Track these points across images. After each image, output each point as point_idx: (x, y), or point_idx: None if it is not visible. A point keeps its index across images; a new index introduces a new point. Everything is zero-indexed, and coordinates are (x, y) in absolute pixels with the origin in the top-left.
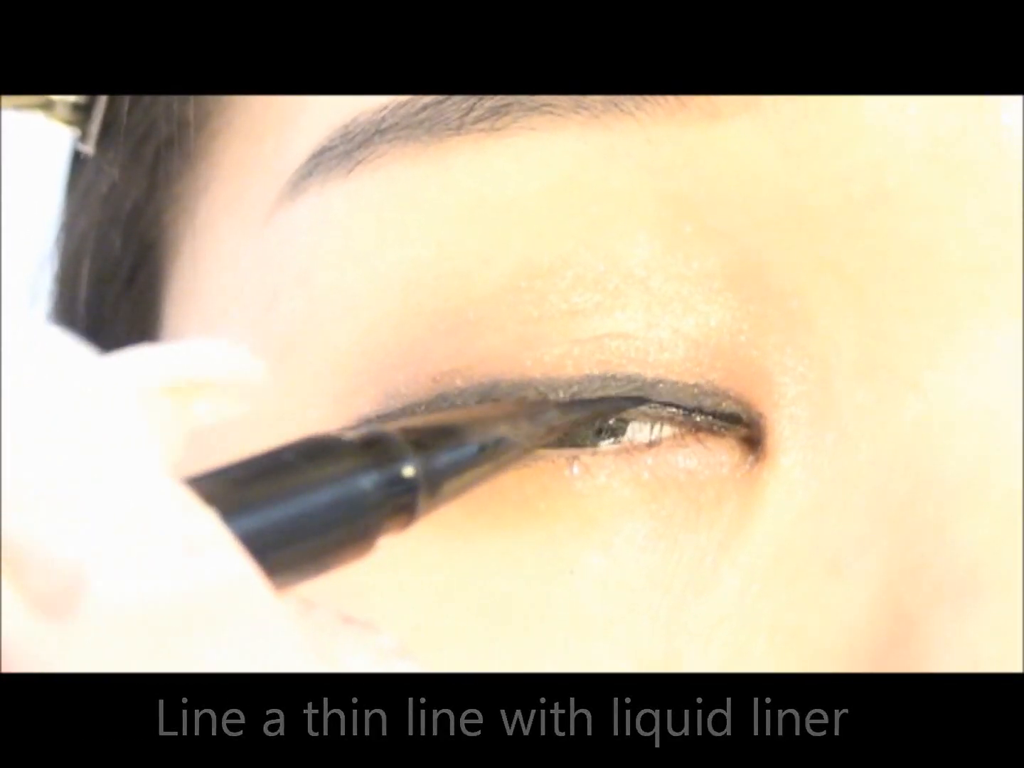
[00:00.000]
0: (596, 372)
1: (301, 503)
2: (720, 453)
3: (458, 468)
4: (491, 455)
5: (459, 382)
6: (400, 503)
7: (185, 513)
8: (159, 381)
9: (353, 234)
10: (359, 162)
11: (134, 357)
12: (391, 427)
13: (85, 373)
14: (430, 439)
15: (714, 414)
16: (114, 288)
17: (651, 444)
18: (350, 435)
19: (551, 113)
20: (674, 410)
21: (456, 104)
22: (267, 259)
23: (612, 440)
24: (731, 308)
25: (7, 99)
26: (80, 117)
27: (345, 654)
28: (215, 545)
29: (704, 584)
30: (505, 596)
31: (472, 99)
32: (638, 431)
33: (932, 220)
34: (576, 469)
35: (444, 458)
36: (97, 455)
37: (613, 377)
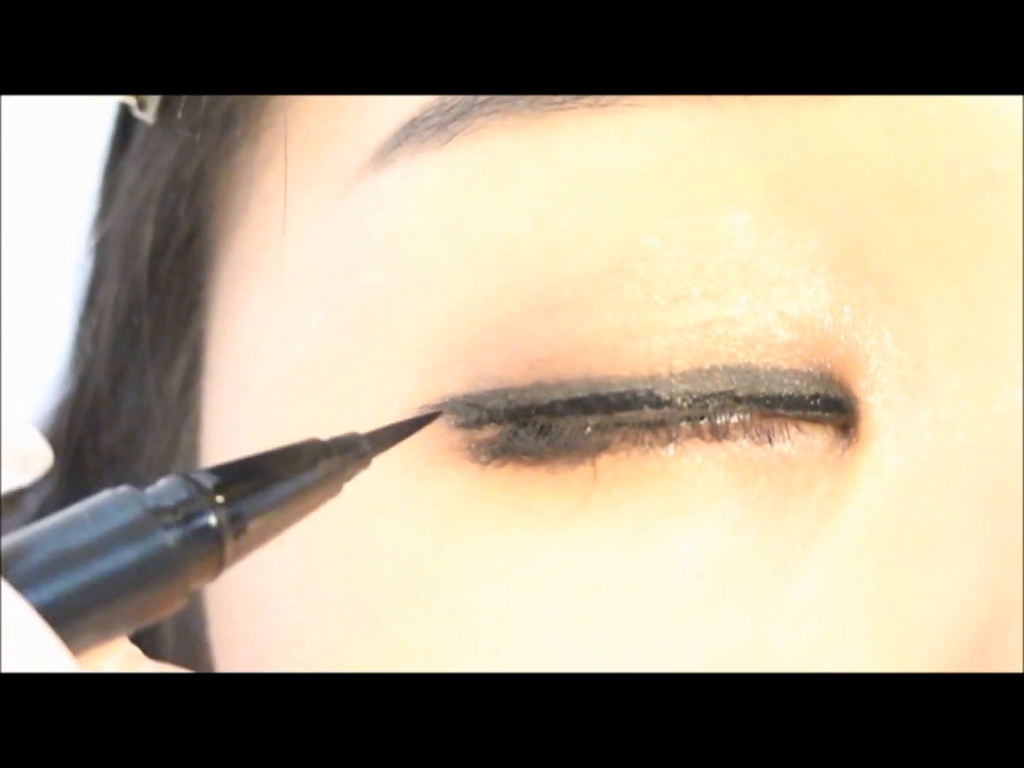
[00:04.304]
0: (705, 364)
1: (99, 566)
2: (814, 437)
3: (264, 510)
4: (300, 493)
5: (560, 372)
6: (205, 551)
7: None
8: None
9: (445, 205)
10: (455, 134)
11: None
12: (196, 473)
13: None
14: (235, 483)
15: (820, 401)
16: (168, 257)
17: (746, 427)
18: (157, 486)
19: None
20: (780, 398)
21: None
22: (346, 230)
23: (710, 422)
24: (834, 290)
25: None
26: None
27: None
28: None
29: (794, 569)
30: (593, 583)
31: None
32: (736, 416)
33: None
34: (672, 450)
35: (250, 503)
36: None
37: (726, 368)
